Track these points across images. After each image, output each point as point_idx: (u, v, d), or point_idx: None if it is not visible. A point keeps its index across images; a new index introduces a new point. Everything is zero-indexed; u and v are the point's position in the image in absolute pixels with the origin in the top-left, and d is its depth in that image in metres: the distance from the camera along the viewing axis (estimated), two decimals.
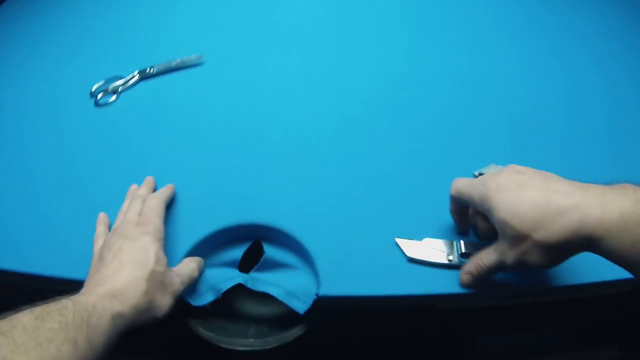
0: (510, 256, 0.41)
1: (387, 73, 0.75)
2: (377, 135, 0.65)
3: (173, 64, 0.75)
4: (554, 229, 0.37)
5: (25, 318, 0.36)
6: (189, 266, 0.50)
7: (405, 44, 0.80)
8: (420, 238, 0.53)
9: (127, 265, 0.45)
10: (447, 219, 0.54)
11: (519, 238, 0.40)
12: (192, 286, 0.51)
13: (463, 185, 0.48)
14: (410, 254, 0.51)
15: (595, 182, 0.39)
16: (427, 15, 0.85)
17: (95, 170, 0.63)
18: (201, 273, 0.52)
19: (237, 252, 0.56)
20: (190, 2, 0.91)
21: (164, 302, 0.45)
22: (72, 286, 0.43)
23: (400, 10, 0.87)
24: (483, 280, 0.46)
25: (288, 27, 0.84)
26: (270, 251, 0.55)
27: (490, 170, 0.56)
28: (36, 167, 0.64)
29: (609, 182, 0.38)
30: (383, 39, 0.81)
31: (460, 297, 0.49)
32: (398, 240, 0.52)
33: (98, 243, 0.52)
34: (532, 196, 0.39)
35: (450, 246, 0.52)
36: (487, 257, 0.45)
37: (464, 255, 0.50)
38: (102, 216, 0.57)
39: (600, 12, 0.85)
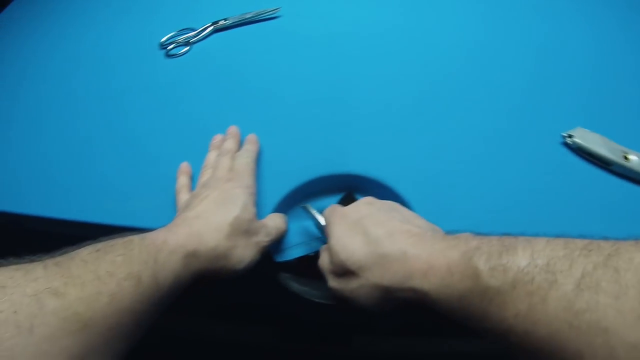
0: (333, 282, 0.39)
1: (471, 35, 0.71)
2: (467, 92, 0.61)
3: (248, 16, 0.73)
4: (380, 274, 0.35)
5: (85, 251, 0.32)
6: (275, 219, 0.47)
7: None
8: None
9: (212, 209, 0.42)
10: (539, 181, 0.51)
11: (345, 272, 0.37)
12: (279, 241, 0.48)
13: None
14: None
15: None
16: None
17: (167, 121, 0.60)
18: (287, 229, 0.49)
19: (327, 203, 0.53)
20: None
21: (247, 253, 0.42)
22: None
23: None
24: None
25: None
26: None
27: (578, 133, 0.53)
28: (105, 118, 0.62)
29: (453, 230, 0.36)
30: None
31: None
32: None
33: (182, 196, 0.49)
34: (367, 232, 0.37)
35: None
36: (320, 262, 0.42)
37: None
38: (184, 166, 0.53)
39: None
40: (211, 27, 0.72)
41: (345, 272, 0.38)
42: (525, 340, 0.27)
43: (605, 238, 0.28)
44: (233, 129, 0.56)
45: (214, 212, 0.42)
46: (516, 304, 0.27)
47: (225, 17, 0.72)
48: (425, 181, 0.51)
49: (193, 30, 0.73)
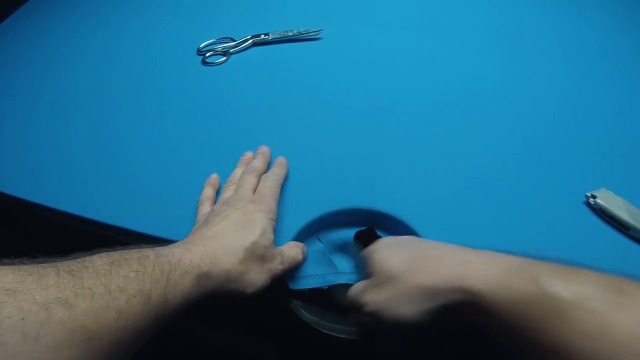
0: (369, 295, 0.39)
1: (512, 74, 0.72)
2: (496, 141, 0.62)
3: (290, 33, 0.74)
4: (432, 273, 0.35)
5: (99, 261, 0.33)
6: (292, 249, 0.47)
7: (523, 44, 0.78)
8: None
9: (230, 231, 0.43)
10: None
11: (386, 279, 0.38)
12: (295, 269, 0.48)
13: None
14: None
15: None
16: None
17: (196, 129, 0.62)
18: (304, 259, 0.49)
19: (347, 235, 0.53)
20: None
21: (259, 278, 0.42)
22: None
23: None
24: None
25: (410, 11, 0.82)
26: None
27: (602, 194, 0.54)
28: (135, 118, 0.63)
29: None
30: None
31: None
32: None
33: (204, 207, 0.50)
34: (414, 246, 0.40)
35: None
36: (353, 288, 0.43)
37: None
38: (213, 178, 0.54)
39: None
40: (251, 40, 0.73)
41: (386, 279, 0.38)
42: None
43: None
44: (264, 149, 0.56)
45: (231, 234, 0.42)
46: (586, 321, 0.25)
47: (266, 32, 0.73)
48: (447, 226, 0.52)
49: (233, 40, 0.74)
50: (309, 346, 0.63)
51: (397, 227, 0.53)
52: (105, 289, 0.30)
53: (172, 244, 0.40)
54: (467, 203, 0.55)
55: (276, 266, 0.44)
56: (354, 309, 0.42)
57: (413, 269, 0.36)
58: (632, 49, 0.77)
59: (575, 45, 0.78)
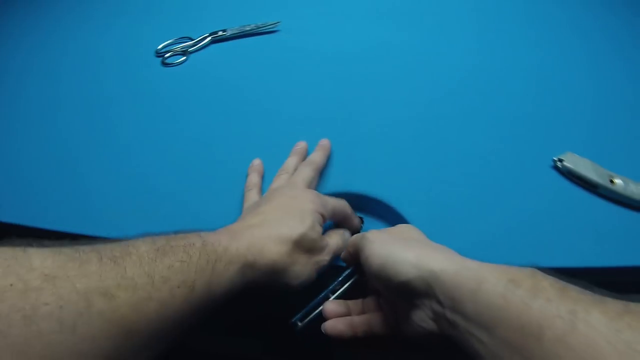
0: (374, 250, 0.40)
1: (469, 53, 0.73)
2: (464, 115, 0.63)
3: (248, 28, 0.73)
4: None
5: (144, 247, 0.31)
6: (336, 238, 0.45)
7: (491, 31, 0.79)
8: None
9: (279, 220, 0.41)
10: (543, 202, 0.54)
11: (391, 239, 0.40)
12: None
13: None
14: None
15: None
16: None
17: (165, 132, 0.60)
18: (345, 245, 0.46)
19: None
20: None
21: (305, 270, 0.40)
22: None
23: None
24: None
25: (375, 2, 0.83)
26: (368, 221, 0.53)
27: (568, 158, 0.56)
28: (92, 125, 0.61)
29: None
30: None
31: None
32: None
33: (251, 194, 0.49)
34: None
35: None
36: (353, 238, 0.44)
37: None
38: (257, 164, 0.53)
39: None
40: (209, 38, 0.72)
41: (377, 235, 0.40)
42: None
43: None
44: (325, 142, 0.55)
45: (280, 223, 0.41)
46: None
47: (224, 28, 0.73)
48: (423, 201, 0.53)
49: (190, 39, 0.73)
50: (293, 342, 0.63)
51: (377, 207, 0.54)
52: (149, 278, 0.29)
53: (219, 230, 0.39)
54: (441, 178, 0.56)
55: (324, 258, 0.42)
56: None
57: (426, 242, 0.39)
58: (592, 22, 0.80)
59: (534, 18, 0.80)
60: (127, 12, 0.80)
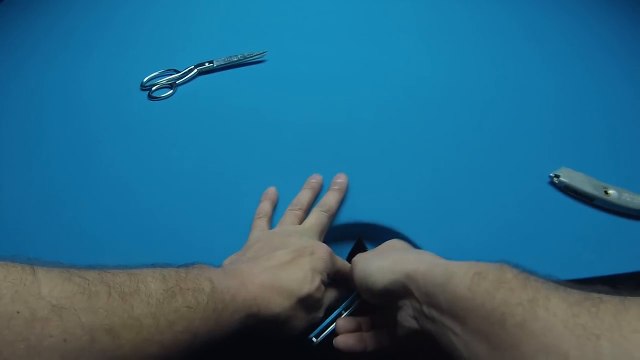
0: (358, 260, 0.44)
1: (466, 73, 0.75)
2: (461, 136, 0.65)
3: (234, 59, 0.73)
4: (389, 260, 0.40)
5: (153, 285, 0.31)
6: (333, 295, 0.47)
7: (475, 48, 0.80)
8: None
9: (291, 273, 0.41)
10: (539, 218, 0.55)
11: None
12: None
13: None
14: None
15: None
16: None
17: (154, 167, 0.60)
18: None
19: (339, 252, 0.53)
20: None
21: (301, 325, 0.42)
22: None
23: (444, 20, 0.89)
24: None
25: (345, 25, 0.83)
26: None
27: (563, 173, 0.58)
28: (83, 161, 0.60)
29: None
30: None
31: None
32: None
33: (260, 223, 0.50)
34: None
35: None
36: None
37: None
38: (272, 192, 0.54)
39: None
40: (195, 70, 0.72)
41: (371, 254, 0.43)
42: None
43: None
44: (342, 180, 0.56)
45: (290, 275, 0.41)
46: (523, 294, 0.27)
47: (210, 60, 0.72)
48: (425, 221, 0.54)
49: (176, 71, 0.72)
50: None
51: (380, 233, 0.54)
52: (154, 320, 0.29)
53: (229, 270, 0.40)
54: (440, 198, 0.57)
55: (318, 315, 0.44)
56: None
57: (407, 249, 0.44)
58: (562, 34, 0.82)
59: (514, 35, 0.82)
60: (106, 42, 0.78)
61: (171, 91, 0.70)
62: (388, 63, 0.75)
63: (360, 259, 0.42)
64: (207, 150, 0.61)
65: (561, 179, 0.57)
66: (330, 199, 0.53)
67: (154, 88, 0.70)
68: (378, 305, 0.42)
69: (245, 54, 0.73)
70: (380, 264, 0.39)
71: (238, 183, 0.57)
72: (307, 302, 0.41)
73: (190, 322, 0.32)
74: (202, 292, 0.34)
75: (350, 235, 0.55)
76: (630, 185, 0.57)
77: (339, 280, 0.48)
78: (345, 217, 0.54)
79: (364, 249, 0.53)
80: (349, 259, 0.50)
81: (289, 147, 0.62)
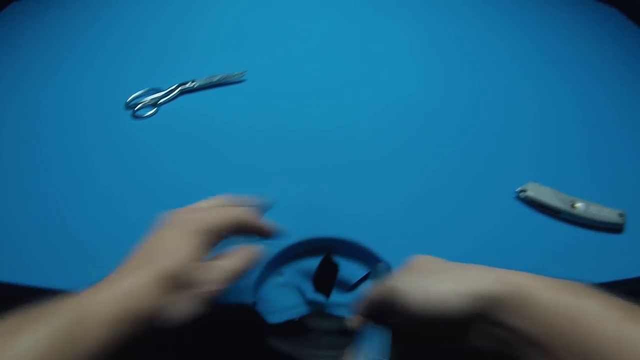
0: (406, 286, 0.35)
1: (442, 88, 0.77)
2: (428, 148, 0.67)
3: (215, 79, 0.75)
4: (476, 268, 0.35)
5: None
6: (227, 262, 0.39)
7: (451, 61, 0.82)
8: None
9: (143, 261, 0.35)
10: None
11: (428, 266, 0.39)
12: (270, 303, 0.48)
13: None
14: None
15: None
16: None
17: (139, 185, 0.61)
18: (252, 265, 0.40)
19: (308, 265, 0.54)
20: (231, 18, 0.92)
21: (183, 308, 0.34)
22: None
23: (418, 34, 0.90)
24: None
25: (323, 42, 0.86)
26: (346, 265, 0.53)
27: (530, 187, 0.59)
28: (66, 182, 0.61)
29: None
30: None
31: None
32: None
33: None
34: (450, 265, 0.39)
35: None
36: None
37: None
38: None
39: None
40: (178, 89, 0.74)
41: (426, 267, 0.38)
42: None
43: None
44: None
45: (143, 265, 0.35)
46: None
47: (192, 79, 0.74)
48: (394, 238, 0.55)
49: (159, 90, 0.74)
50: None
51: (348, 248, 0.54)
52: None
53: (83, 293, 0.33)
54: (409, 213, 0.58)
55: (205, 289, 0.35)
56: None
57: (457, 265, 0.35)
58: (536, 50, 0.85)
59: (484, 52, 0.85)
60: (95, 62, 0.80)
61: (154, 110, 0.72)
62: (362, 80, 0.77)
63: (411, 286, 0.34)
64: (188, 168, 0.63)
65: (527, 193, 0.58)
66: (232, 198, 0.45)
67: (137, 107, 0.71)
68: (433, 335, 0.35)
69: (226, 75, 0.75)
70: (440, 287, 0.32)
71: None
72: (172, 279, 0.34)
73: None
74: (52, 315, 0.30)
75: (318, 250, 0.55)
76: (602, 198, 0.58)
77: (239, 233, 0.42)
78: (312, 232, 0.54)
79: (333, 265, 0.53)
80: (317, 275, 0.51)
81: (266, 163, 0.64)
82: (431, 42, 0.87)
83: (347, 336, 0.50)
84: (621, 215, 0.57)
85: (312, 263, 0.54)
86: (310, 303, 0.51)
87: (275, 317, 0.49)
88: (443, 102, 0.74)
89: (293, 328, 0.49)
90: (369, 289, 0.40)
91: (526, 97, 0.76)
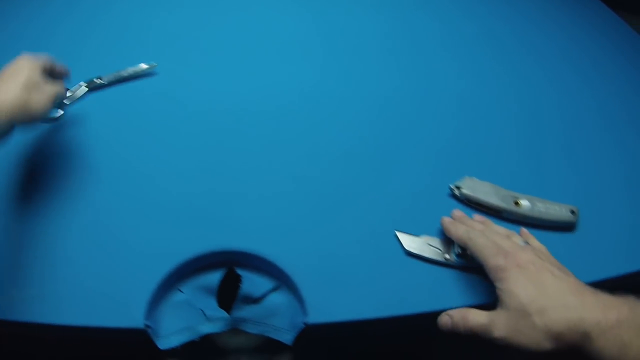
0: (500, 329, 0.39)
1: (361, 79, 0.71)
2: (349, 146, 0.61)
3: (125, 74, 0.67)
4: (556, 318, 0.37)
5: None
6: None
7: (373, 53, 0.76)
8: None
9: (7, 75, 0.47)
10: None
11: (520, 315, 0.39)
12: (163, 325, 0.45)
13: (466, 235, 0.45)
14: (408, 247, 0.48)
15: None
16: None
17: (49, 192, 0.55)
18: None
19: (209, 280, 0.49)
20: (136, 11, 0.84)
21: (41, 100, 0.47)
22: None
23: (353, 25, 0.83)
24: (459, 333, 0.42)
25: (243, 37, 0.79)
26: (248, 278, 0.49)
27: (466, 183, 0.51)
28: None
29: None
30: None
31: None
32: (398, 233, 0.49)
33: None
34: (548, 283, 0.40)
35: (448, 245, 0.48)
36: (475, 316, 0.41)
37: (461, 256, 0.47)
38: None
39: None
40: (85, 87, 0.66)
41: (517, 316, 0.39)
42: None
43: None
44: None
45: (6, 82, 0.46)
46: None
47: (99, 76, 0.67)
48: (312, 254, 0.49)
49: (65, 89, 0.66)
50: None
51: (257, 262, 0.50)
52: None
53: None
54: (324, 225, 0.52)
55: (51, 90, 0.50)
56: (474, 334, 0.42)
57: (540, 309, 0.38)
58: (475, 38, 0.80)
59: (415, 42, 0.78)
60: None
61: (62, 112, 0.64)
62: (273, 74, 0.72)
63: (502, 332, 0.39)
64: (104, 167, 0.58)
65: (462, 190, 0.50)
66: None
67: None
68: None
69: (135, 69, 0.68)
70: (531, 336, 0.38)
71: (133, 194, 0.54)
72: (30, 83, 0.47)
73: None
74: None
75: (220, 264, 0.50)
76: (549, 193, 0.51)
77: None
78: (214, 245, 0.49)
79: (236, 278, 0.48)
80: (220, 288, 0.48)
81: (178, 157, 0.59)
82: (344, 32, 0.80)
83: (260, 353, 0.45)
84: (573, 211, 0.49)
85: (213, 278, 0.49)
86: (215, 320, 0.47)
87: (167, 341, 0.45)
88: (361, 100, 0.68)
89: (198, 349, 0.46)
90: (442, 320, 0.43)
91: (505, 88, 0.70)
